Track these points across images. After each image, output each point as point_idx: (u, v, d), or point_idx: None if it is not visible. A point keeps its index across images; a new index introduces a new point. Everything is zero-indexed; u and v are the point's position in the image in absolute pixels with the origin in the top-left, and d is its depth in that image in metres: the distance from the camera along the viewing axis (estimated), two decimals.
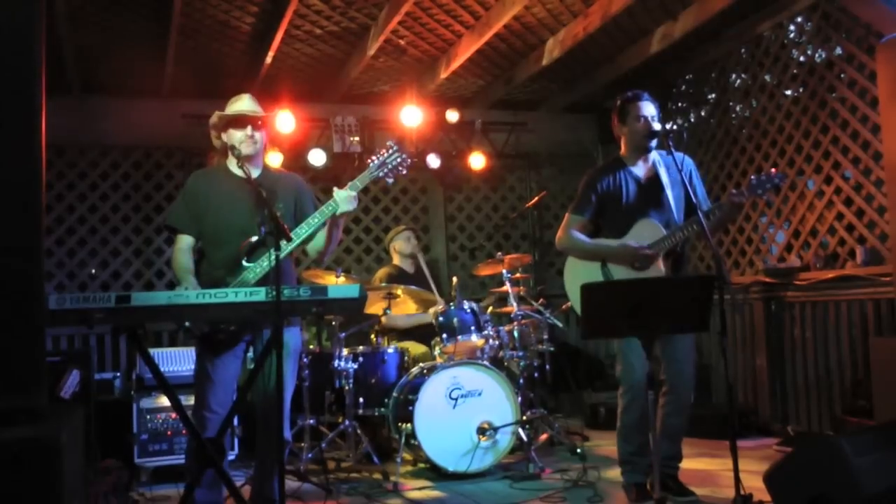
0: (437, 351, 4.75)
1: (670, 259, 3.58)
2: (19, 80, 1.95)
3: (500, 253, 5.21)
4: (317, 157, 6.07)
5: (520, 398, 4.57)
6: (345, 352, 4.72)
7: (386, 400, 4.61)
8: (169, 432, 4.52)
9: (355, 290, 2.67)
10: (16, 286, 1.92)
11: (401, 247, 5.66)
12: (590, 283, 3.08)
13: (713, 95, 5.96)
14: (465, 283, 6.55)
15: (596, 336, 4.78)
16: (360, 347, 4.87)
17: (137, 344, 2.83)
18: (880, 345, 4.15)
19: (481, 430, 4.31)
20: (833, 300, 4.75)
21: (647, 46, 5.41)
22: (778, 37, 5.24)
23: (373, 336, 5.27)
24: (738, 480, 2.89)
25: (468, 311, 4.74)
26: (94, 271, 5.81)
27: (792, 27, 5.16)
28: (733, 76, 5.70)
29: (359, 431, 4.61)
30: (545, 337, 5.21)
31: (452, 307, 4.73)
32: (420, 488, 4.15)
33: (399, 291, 4.90)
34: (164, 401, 4.45)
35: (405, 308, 5.15)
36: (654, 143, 3.65)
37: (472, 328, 4.69)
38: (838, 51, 4.76)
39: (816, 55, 4.96)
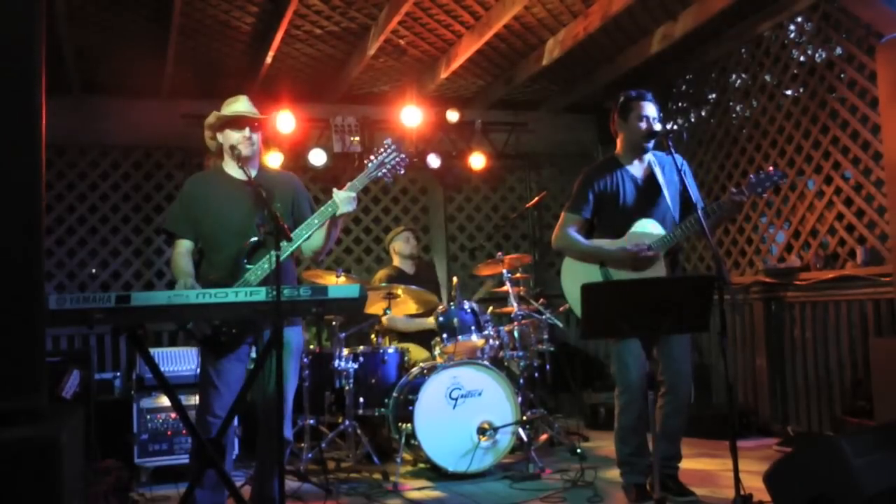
0: (437, 351, 4.75)
1: (669, 258, 3.58)
2: (19, 80, 1.95)
3: (500, 253, 5.21)
4: (317, 157, 6.07)
5: (520, 398, 4.57)
6: (345, 352, 4.72)
7: (386, 400, 4.61)
8: (169, 432, 4.52)
9: (355, 291, 2.67)
10: (16, 286, 1.92)
11: (400, 248, 5.65)
12: (590, 283, 3.09)
13: (713, 95, 5.96)
14: (465, 283, 6.55)
15: (596, 336, 4.79)
16: (360, 347, 4.87)
17: (137, 344, 2.83)
18: (880, 345, 4.16)
19: (481, 430, 4.31)
20: (833, 300, 4.75)
21: (647, 46, 5.41)
22: (778, 37, 5.24)
23: (373, 336, 5.27)
24: (737, 480, 2.89)
25: (468, 311, 4.74)
26: (94, 271, 5.81)
27: (792, 27, 5.16)
28: (733, 76, 5.70)
29: (359, 431, 4.62)
30: (545, 337, 5.21)
31: (452, 307, 4.73)
32: (420, 488, 4.15)
33: (399, 291, 4.90)
34: (164, 401, 4.45)
35: (405, 308, 5.15)
36: (651, 143, 3.66)
37: (472, 328, 4.69)
38: (838, 51, 4.76)
39: (816, 55, 4.96)
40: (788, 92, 5.16)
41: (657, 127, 3.61)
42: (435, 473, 4.35)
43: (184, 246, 3.20)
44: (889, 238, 4.18)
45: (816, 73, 4.91)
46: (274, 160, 5.87)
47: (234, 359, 3.12)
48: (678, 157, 3.48)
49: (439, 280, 6.25)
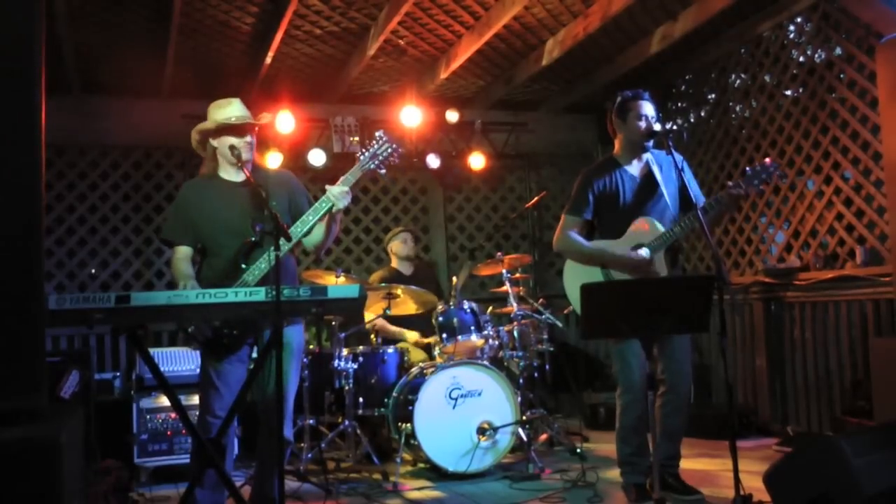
0: (436, 351, 4.75)
1: (669, 256, 3.59)
2: (19, 80, 1.95)
3: (499, 253, 5.21)
4: (317, 158, 6.06)
5: (519, 398, 4.57)
6: (345, 352, 4.72)
7: (386, 400, 4.61)
8: (169, 432, 4.52)
9: (355, 291, 2.67)
10: (16, 286, 1.92)
11: (398, 248, 5.65)
12: (590, 284, 3.09)
13: (713, 96, 5.96)
14: (465, 283, 6.54)
15: (596, 336, 4.79)
16: (360, 347, 4.87)
17: (137, 344, 2.83)
18: (880, 345, 4.16)
19: (481, 431, 4.31)
20: (833, 300, 4.75)
21: (647, 47, 5.41)
22: (778, 37, 5.24)
23: (373, 336, 5.28)
24: (737, 480, 2.89)
25: (468, 311, 4.74)
26: (93, 271, 5.81)
27: (792, 27, 5.16)
28: (733, 76, 5.70)
29: (358, 432, 4.62)
30: (545, 337, 5.21)
31: (452, 307, 4.73)
32: (420, 488, 4.15)
33: (399, 291, 4.90)
34: (164, 401, 4.45)
35: (405, 308, 5.15)
36: (651, 142, 3.66)
37: (472, 328, 4.69)
38: (838, 51, 4.76)
39: (816, 55, 4.96)
40: (788, 92, 5.16)
41: (657, 126, 3.61)
42: (435, 473, 4.35)
43: (182, 252, 3.20)
44: (888, 238, 4.18)
45: (816, 73, 4.91)
46: (274, 160, 5.87)
47: (235, 360, 3.12)
48: (678, 156, 3.48)
49: (441, 281, 6.25)
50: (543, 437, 5.04)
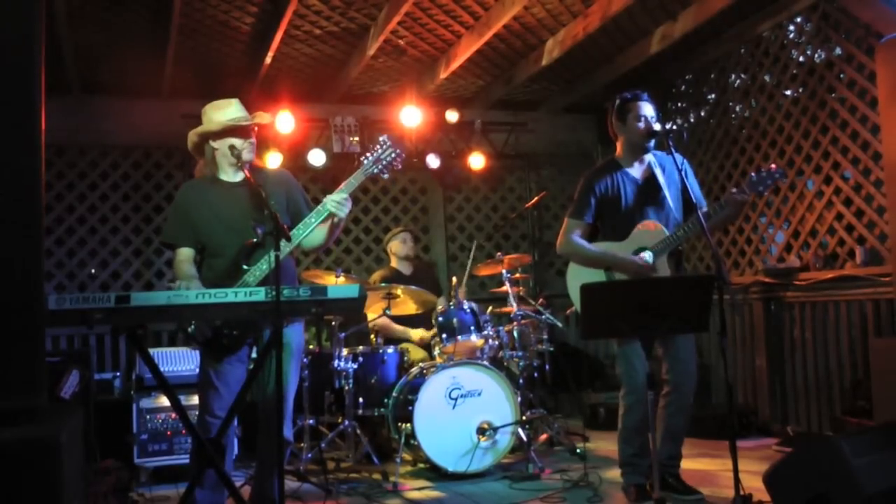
0: (436, 351, 4.75)
1: (672, 259, 3.59)
2: (19, 80, 1.95)
3: (499, 253, 5.21)
4: (316, 158, 6.06)
5: (519, 398, 4.57)
6: (344, 352, 4.72)
7: (386, 400, 4.61)
8: (169, 432, 4.51)
9: (355, 291, 2.67)
10: (16, 286, 1.92)
11: (397, 248, 5.65)
12: (590, 284, 3.09)
13: (713, 96, 5.96)
14: (470, 272, 6.53)
15: (596, 336, 4.79)
16: (360, 347, 4.87)
17: (137, 344, 2.83)
18: (880, 345, 4.16)
19: (481, 430, 4.31)
20: (832, 300, 4.75)
21: (647, 47, 5.41)
22: (778, 37, 5.24)
23: (372, 336, 5.28)
24: (737, 480, 2.89)
25: (468, 311, 4.74)
26: (93, 271, 5.81)
27: (791, 27, 5.16)
28: (733, 76, 5.70)
29: (358, 431, 4.61)
30: (545, 337, 5.21)
31: (452, 307, 4.73)
32: (420, 488, 4.15)
33: (399, 291, 4.90)
34: (164, 401, 4.45)
35: (405, 308, 5.15)
36: (652, 143, 3.66)
37: (472, 328, 4.69)
38: (838, 51, 4.76)
39: (816, 55, 4.96)
40: (788, 92, 5.16)
41: (656, 126, 3.61)
42: (434, 473, 4.35)
43: (184, 254, 3.19)
44: (888, 238, 4.18)
45: (816, 73, 4.91)
46: (273, 160, 5.87)
47: (235, 360, 3.11)
48: (678, 157, 3.47)
49: (441, 281, 6.25)
50: (543, 437, 5.04)
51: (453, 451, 4.27)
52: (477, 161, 6.60)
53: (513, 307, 4.96)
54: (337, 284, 3.91)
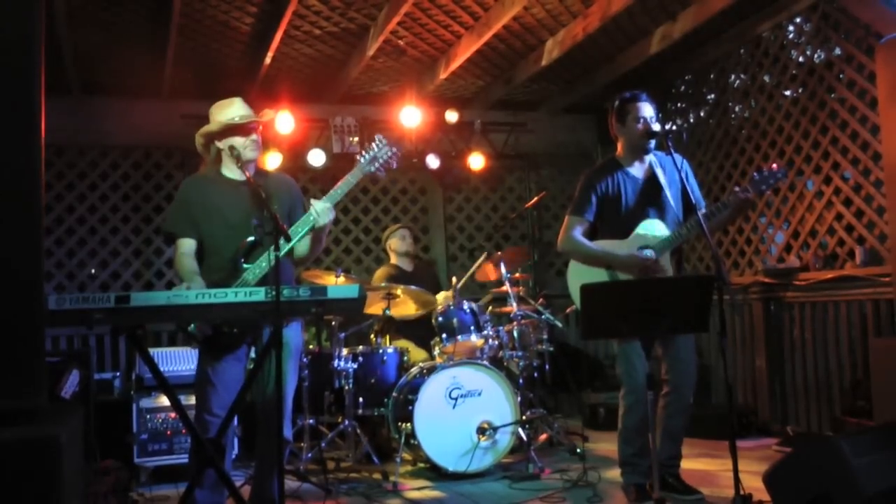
0: (436, 351, 4.75)
1: (674, 258, 3.59)
2: (19, 80, 1.95)
3: (499, 253, 5.21)
4: (316, 158, 6.07)
5: (519, 398, 4.57)
6: (344, 352, 4.72)
7: (385, 400, 4.61)
8: (168, 432, 4.52)
9: (355, 291, 2.67)
10: (16, 286, 1.92)
11: (396, 245, 5.65)
12: (590, 284, 3.09)
13: (712, 96, 5.96)
14: (465, 283, 6.54)
15: (596, 336, 4.79)
16: (360, 347, 4.87)
17: (137, 344, 2.83)
18: (880, 345, 4.16)
19: (481, 430, 4.31)
20: (832, 301, 4.75)
21: (647, 47, 5.41)
22: (777, 37, 5.24)
23: (372, 336, 5.28)
24: (737, 481, 2.89)
25: (468, 311, 4.74)
26: (93, 272, 5.81)
27: (791, 28, 5.16)
28: (732, 77, 5.70)
29: (358, 431, 4.61)
30: (545, 337, 5.21)
31: (452, 307, 4.73)
32: (420, 488, 4.15)
33: (399, 291, 4.90)
34: (164, 401, 4.45)
35: (405, 308, 5.15)
36: (652, 143, 3.66)
37: (472, 328, 4.69)
38: (837, 51, 4.76)
39: (816, 56, 4.96)
40: (787, 92, 5.16)
41: (655, 127, 3.61)
42: (434, 473, 4.35)
43: (186, 246, 3.18)
44: (888, 238, 4.18)
45: (815, 73, 4.91)
46: (273, 161, 5.87)
47: (233, 358, 3.11)
48: (678, 157, 3.47)
49: (441, 279, 6.25)
50: (543, 437, 5.04)
51: (453, 451, 4.27)
52: (477, 161, 6.60)
53: (513, 307, 4.96)
54: (337, 284, 3.91)
